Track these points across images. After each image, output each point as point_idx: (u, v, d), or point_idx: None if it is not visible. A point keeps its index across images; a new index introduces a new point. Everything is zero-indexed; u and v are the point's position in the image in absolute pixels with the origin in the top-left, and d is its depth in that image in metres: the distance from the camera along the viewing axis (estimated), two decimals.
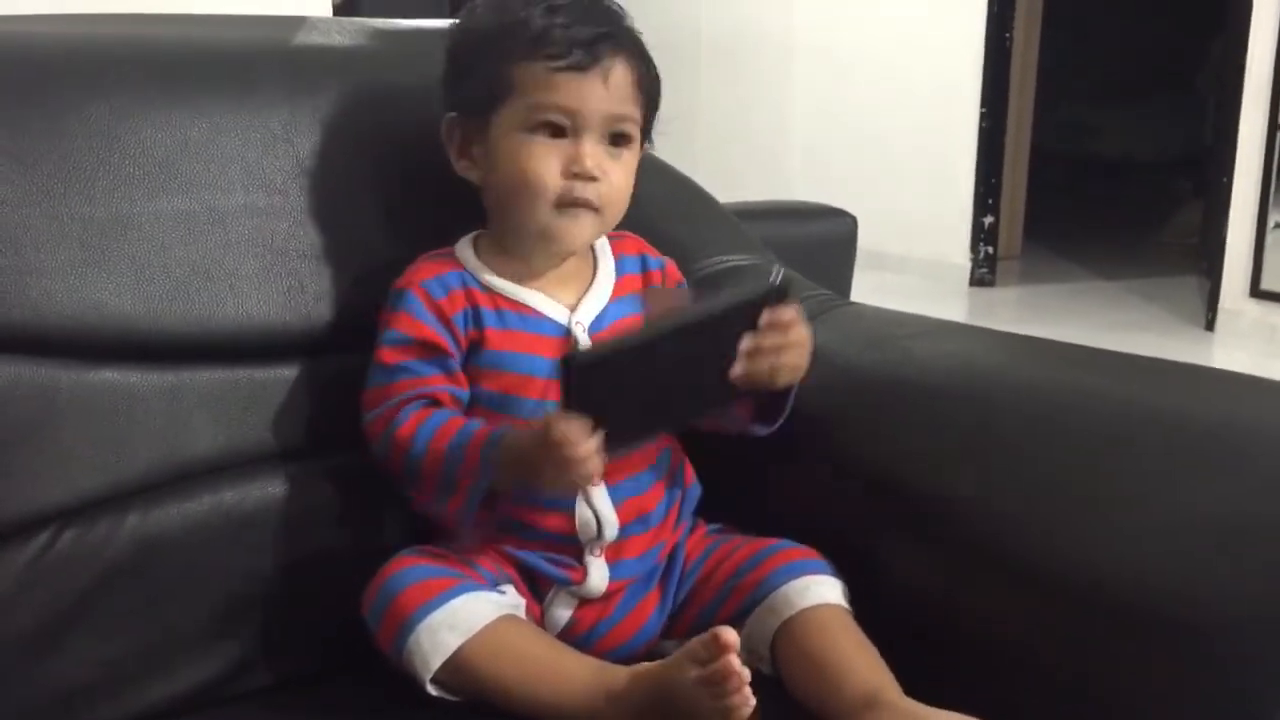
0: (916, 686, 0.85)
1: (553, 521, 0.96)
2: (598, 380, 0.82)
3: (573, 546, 0.96)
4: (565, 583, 0.96)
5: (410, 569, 0.91)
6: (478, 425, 0.91)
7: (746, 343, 0.90)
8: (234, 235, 0.99)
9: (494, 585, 0.93)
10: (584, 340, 0.98)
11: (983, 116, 4.58)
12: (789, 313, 0.91)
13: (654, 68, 1.01)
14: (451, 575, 0.90)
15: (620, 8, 1.00)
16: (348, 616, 0.99)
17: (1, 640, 0.87)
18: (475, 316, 0.97)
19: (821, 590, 0.93)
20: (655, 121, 1.03)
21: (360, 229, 1.05)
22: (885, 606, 0.94)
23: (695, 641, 0.81)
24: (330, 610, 0.90)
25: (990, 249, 4.69)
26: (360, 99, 1.08)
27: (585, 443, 0.81)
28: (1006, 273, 4.78)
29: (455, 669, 0.87)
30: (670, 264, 1.09)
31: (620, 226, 1.03)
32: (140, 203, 0.96)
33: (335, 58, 1.12)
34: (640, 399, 0.86)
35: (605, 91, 0.95)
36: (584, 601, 0.97)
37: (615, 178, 0.98)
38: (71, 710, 0.90)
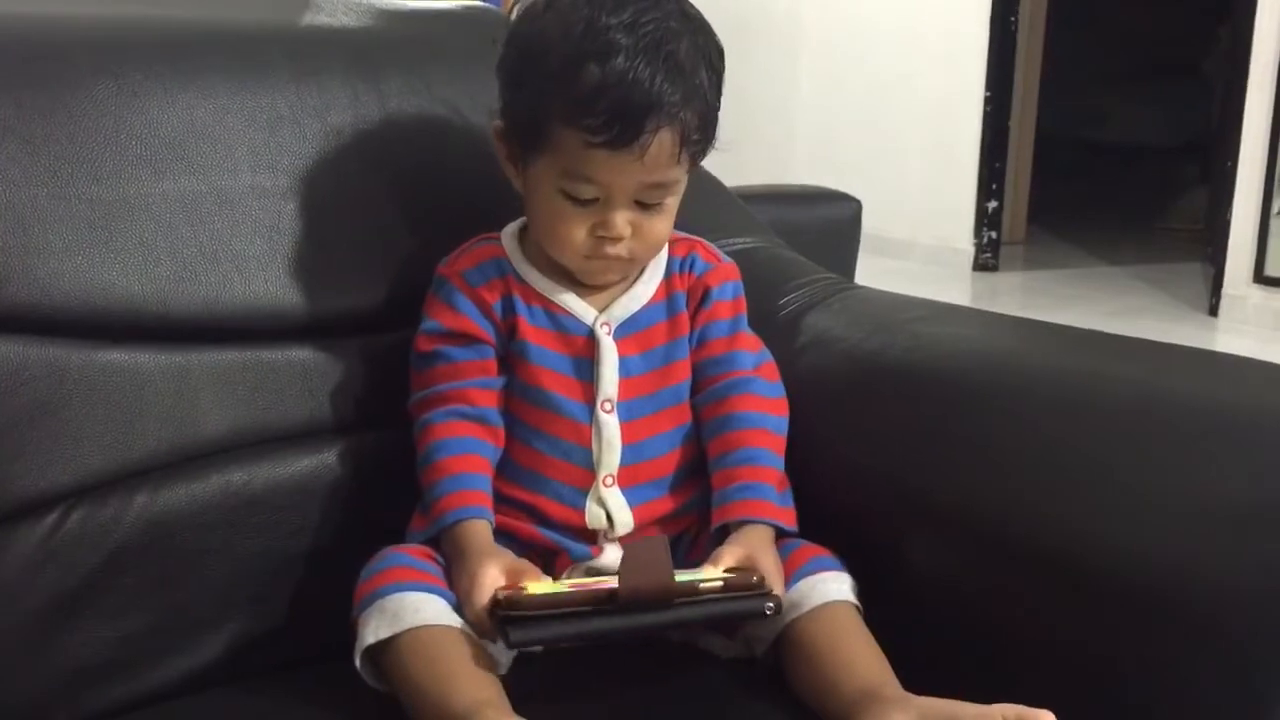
0: (931, 679, 0.85)
1: (560, 511, 0.97)
2: (531, 637, 0.84)
3: (587, 533, 0.97)
4: (584, 558, 0.96)
5: (396, 554, 0.90)
6: (466, 486, 0.93)
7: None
8: (241, 217, 0.99)
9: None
10: (606, 341, 0.98)
11: (987, 100, 4.57)
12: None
13: (713, 109, 0.95)
14: (429, 572, 0.89)
15: (697, 54, 0.92)
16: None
17: (12, 620, 0.87)
18: (510, 305, 0.98)
19: (828, 587, 0.91)
20: (713, 142, 0.97)
21: (367, 211, 1.05)
22: (899, 593, 0.94)
23: None
24: (338, 591, 0.90)
25: (994, 234, 4.68)
26: (365, 80, 1.08)
27: (485, 625, 0.84)
28: (1010, 258, 4.77)
29: (379, 659, 0.86)
30: (723, 268, 1.03)
31: None
32: (147, 183, 0.96)
33: (340, 38, 1.12)
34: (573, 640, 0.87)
35: (641, 167, 0.90)
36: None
37: (650, 229, 0.95)
38: (81, 689, 0.90)
